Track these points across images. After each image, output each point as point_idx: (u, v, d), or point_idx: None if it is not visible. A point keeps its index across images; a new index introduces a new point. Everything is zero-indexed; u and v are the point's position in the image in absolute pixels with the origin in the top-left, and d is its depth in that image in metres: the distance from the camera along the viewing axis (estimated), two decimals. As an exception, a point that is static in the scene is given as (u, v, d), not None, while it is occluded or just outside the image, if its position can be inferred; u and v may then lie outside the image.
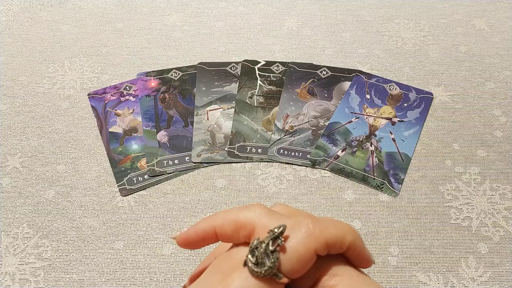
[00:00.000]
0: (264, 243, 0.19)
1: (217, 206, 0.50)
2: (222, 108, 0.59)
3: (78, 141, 0.56)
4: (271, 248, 0.19)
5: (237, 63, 0.64)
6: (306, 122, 0.57)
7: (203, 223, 0.22)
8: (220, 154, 0.54)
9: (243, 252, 0.20)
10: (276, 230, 0.19)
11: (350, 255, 0.21)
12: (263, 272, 0.18)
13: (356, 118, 0.58)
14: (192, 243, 0.23)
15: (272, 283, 0.19)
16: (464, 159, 0.54)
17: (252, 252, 0.19)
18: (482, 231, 0.49)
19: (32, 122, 0.57)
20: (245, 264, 0.19)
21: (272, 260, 0.18)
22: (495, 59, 0.66)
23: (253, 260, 0.19)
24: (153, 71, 0.63)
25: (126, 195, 0.51)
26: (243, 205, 0.50)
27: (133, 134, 0.56)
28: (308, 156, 0.54)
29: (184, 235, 0.23)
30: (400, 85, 0.62)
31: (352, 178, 0.52)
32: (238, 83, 0.61)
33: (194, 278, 0.23)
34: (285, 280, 0.19)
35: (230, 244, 0.22)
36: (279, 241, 0.19)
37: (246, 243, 0.21)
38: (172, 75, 0.62)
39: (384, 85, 0.62)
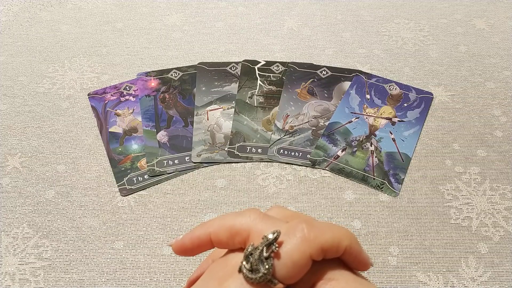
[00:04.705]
0: (258, 249, 0.19)
1: (217, 206, 0.50)
2: (222, 108, 0.59)
3: (78, 141, 0.56)
4: (265, 254, 0.19)
5: (237, 63, 0.64)
6: (306, 122, 0.57)
7: (198, 230, 0.22)
8: (220, 154, 0.54)
9: (238, 258, 0.20)
10: (270, 236, 0.19)
11: (347, 259, 0.21)
12: (257, 278, 0.18)
13: (356, 118, 0.58)
14: (187, 250, 0.23)
15: None
16: (464, 159, 0.54)
17: (246, 258, 0.19)
18: (482, 231, 0.49)
19: (32, 122, 0.57)
20: (240, 270, 0.19)
21: (267, 266, 0.18)
22: (495, 59, 0.66)
23: (248, 266, 0.19)
24: (153, 71, 0.63)
25: (126, 195, 0.51)
26: (243, 206, 0.50)
27: (133, 134, 0.56)
28: (308, 156, 0.54)
29: (179, 242, 0.23)
30: (400, 85, 0.62)
31: (352, 178, 0.52)
32: (238, 83, 0.61)
33: (192, 282, 0.23)
34: (280, 286, 0.19)
35: None
36: (273, 247, 0.19)
37: (241, 249, 0.21)
38: (172, 75, 0.62)
39: (384, 85, 0.62)
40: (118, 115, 0.58)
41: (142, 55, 0.65)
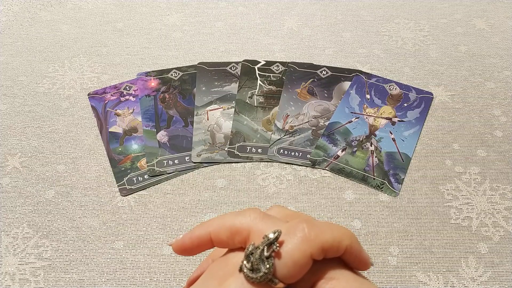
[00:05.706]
0: (259, 248, 0.19)
1: (217, 206, 0.50)
2: (222, 108, 0.59)
3: (78, 141, 0.56)
4: (266, 254, 0.19)
5: (237, 63, 0.64)
6: (306, 122, 0.57)
7: (198, 229, 0.22)
8: (220, 154, 0.54)
9: (239, 257, 0.20)
10: (271, 235, 0.19)
11: (347, 259, 0.21)
12: (258, 278, 0.18)
13: (356, 118, 0.58)
14: (188, 249, 0.23)
15: None
16: (464, 159, 0.54)
17: (247, 257, 0.19)
18: (482, 231, 0.49)
19: (32, 122, 0.57)
20: (241, 269, 0.19)
21: (267, 265, 0.18)
22: (495, 59, 0.66)
23: (249, 265, 0.19)
24: (153, 71, 0.63)
25: (126, 195, 0.51)
26: (243, 206, 0.50)
27: (133, 134, 0.56)
28: (308, 156, 0.54)
29: (179, 242, 0.23)
30: (400, 85, 0.62)
31: (352, 178, 0.52)
32: (238, 83, 0.61)
33: (192, 282, 0.23)
34: (280, 285, 0.19)
35: None
36: (274, 246, 0.19)
37: (241, 248, 0.21)
38: (172, 75, 0.62)
39: (384, 85, 0.62)
40: (118, 115, 0.58)
41: (142, 55, 0.65)
